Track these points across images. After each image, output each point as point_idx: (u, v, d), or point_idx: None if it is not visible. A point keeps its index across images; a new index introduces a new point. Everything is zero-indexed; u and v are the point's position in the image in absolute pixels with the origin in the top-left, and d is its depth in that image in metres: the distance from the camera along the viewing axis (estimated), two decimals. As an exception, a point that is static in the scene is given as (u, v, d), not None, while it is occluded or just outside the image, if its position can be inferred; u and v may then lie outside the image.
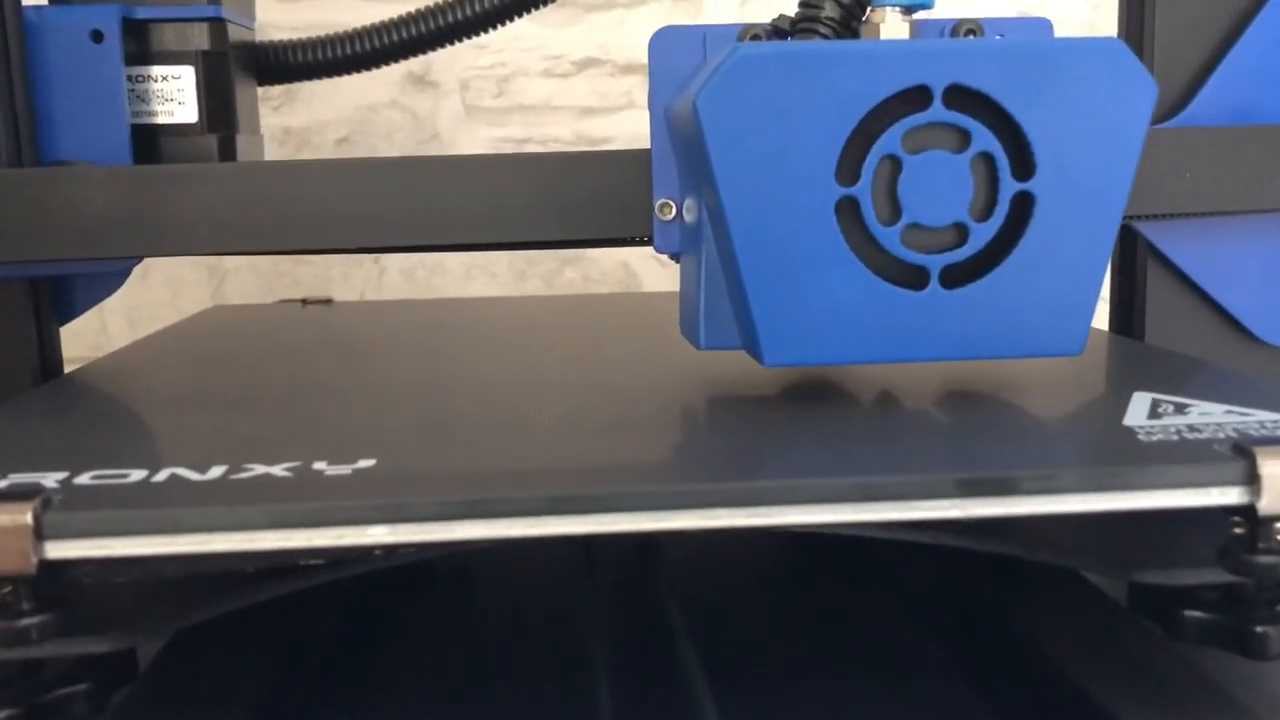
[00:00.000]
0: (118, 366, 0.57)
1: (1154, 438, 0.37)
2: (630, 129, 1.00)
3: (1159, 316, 0.57)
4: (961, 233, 0.41)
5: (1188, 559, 0.36)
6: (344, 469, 0.36)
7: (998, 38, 0.46)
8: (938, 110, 0.40)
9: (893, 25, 0.42)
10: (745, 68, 0.39)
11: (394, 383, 0.52)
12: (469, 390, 0.50)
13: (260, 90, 0.99)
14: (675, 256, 0.49)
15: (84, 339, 0.97)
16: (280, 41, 0.62)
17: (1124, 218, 0.53)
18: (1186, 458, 0.35)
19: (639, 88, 1.00)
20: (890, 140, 0.40)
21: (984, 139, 0.40)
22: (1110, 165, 0.40)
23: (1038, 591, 0.44)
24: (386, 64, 0.63)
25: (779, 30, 0.45)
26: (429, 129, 1.01)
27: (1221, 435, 0.37)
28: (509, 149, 1.01)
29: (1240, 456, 0.35)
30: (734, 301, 0.43)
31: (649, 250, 1.00)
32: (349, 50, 0.62)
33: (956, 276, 0.41)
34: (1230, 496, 0.34)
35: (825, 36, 0.43)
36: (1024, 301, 0.41)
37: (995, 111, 0.40)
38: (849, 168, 0.40)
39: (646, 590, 0.47)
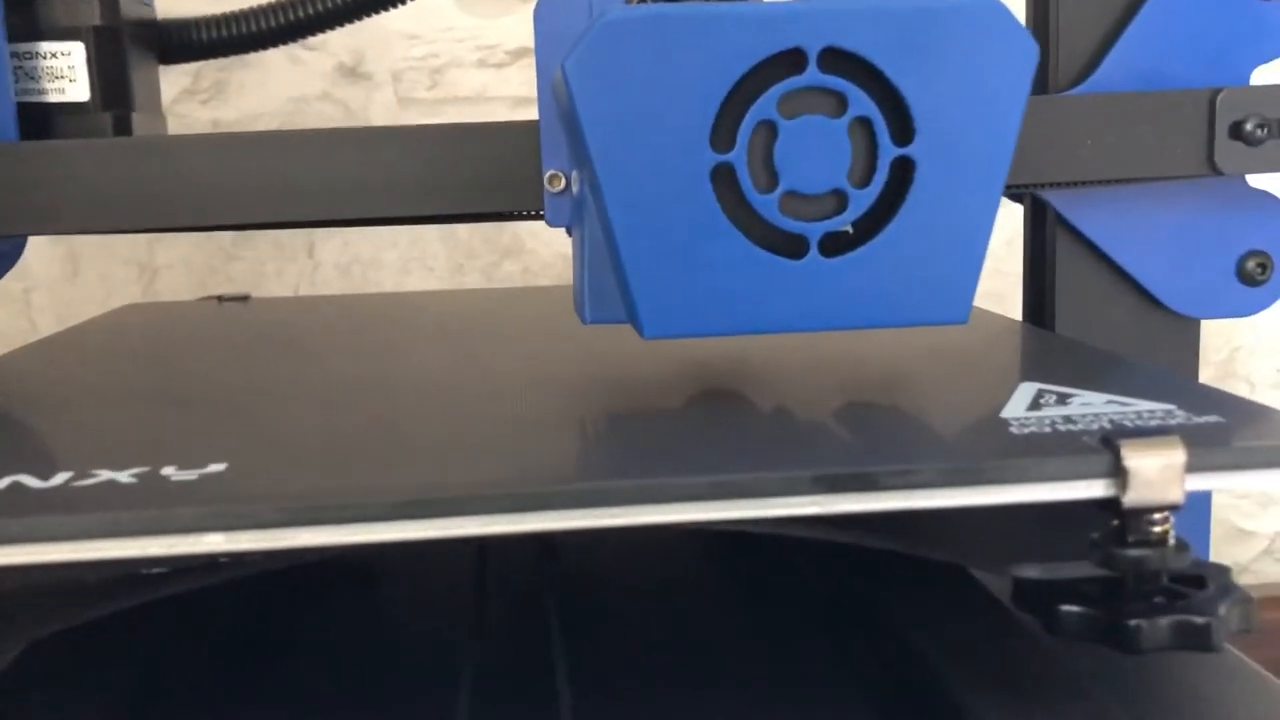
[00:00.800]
0: (6, 368, 0.55)
1: (1027, 430, 0.37)
2: (565, 118, 0.99)
3: (1070, 291, 0.55)
4: (841, 200, 0.39)
5: (1066, 553, 0.35)
6: (191, 474, 0.34)
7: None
8: (813, 74, 0.38)
9: (775, -15, 0.41)
10: (613, 32, 0.38)
11: (283, 382, 0.50)
12: (359, 389, 0.48)
13: (189, 82, 0.98)
14: (569, 230, 0.48)
15: (10, 339, 0.96)
16: (182, 19, 0.61)
17: (1031, 188, 0.52)
18: (1053, 450, 0.35)
19: (573, 76, 0.99)
20: (766, 105, 0.38)
21: (861, 103, 0.38)
22: (992, 129, 0.38)
23: (925, 588, 0.43)
24: (292, 40, 0.62)
25: None
26: (362, 121, 1.00)
27: (1096, 426, 0.37)
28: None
29: (1106, 449, 0.34)
30: (615, 274, 0.41)
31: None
32: (253, 27, 0.61)
33: (837, 244, 0.39)
34: (1096, 490, 0.34)
35: None
36: (906, 269, 0.39)
37: (872, 74, 0.38)
38: (724, 134, 0.39)
39: (532, 593, 0.45)
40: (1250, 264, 0.54)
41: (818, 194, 0.39)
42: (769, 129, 0.39)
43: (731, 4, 0.41)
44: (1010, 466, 0.34)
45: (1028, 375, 0.44)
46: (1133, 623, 0.34)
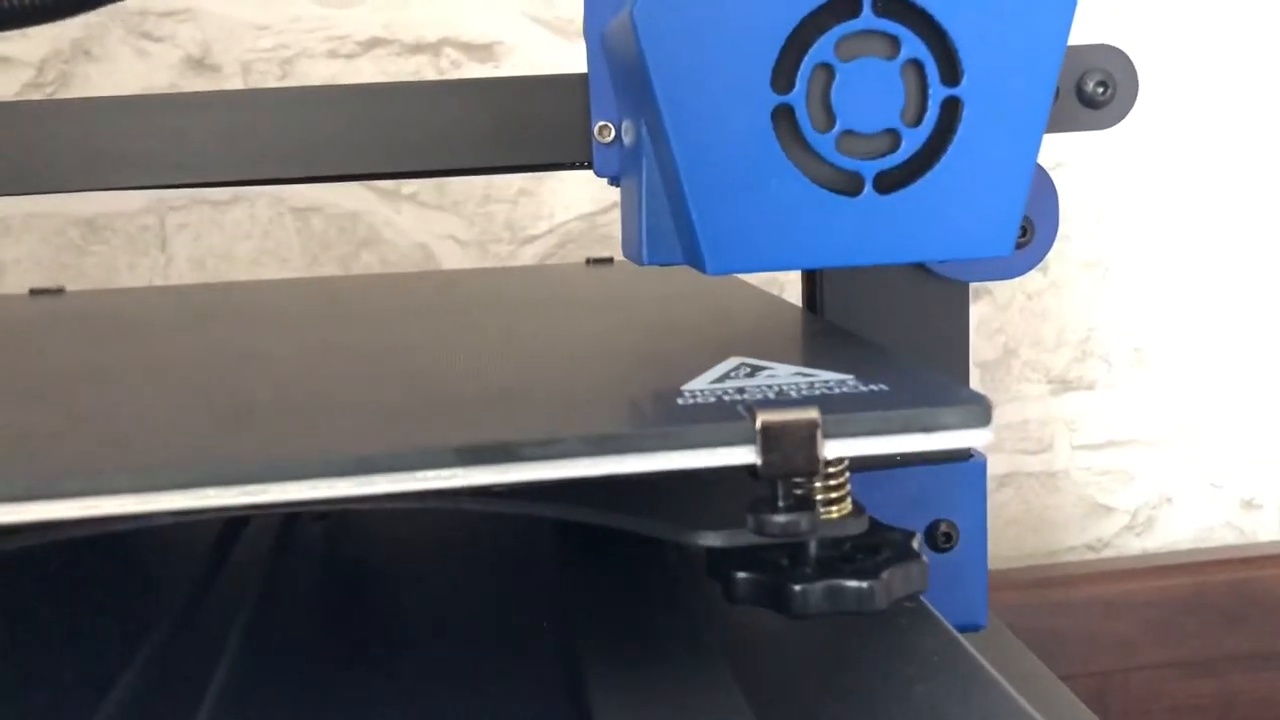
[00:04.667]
0: None
1: (694, 401, 0.36)
2: (419, 107, 0.99)
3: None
4: (894, 138, 0.40)
5: (739, 520, 0.36)
6: None
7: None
8: (868, 18, 0.39)
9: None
10: (679, -21, 0.39)
11: (52, 370, 0.49)
12: (103, 378, 0.47)
13: (33, 75, 0.95)
14: (615, 180, 0.48)
15: None
16: None
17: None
18: (702, 419, 0.34)
19: (427, 67, 0.99)
20: (823, 48, 0.39)
21: (913, 45, 0.40)
22: (1033, 71, 0.40)
23: (634, 561, 0.44)
24: (69, 16, 0.59)
25: None
26: (212, 113, 0.98)
27: (760, 397, 0.36)
28: (296, 131, 0.98)
29: (747, 416, 0.34)
30: (675, 215, 0.42)
31: (448, 231, 0.99)
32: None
33: (890, 181, 0.41)
34: (738, 457, 0.33)
35: None
36: (954, 204, 0.41)
37: (923, 18, 0.40)
38: (784, 76, 0.39)
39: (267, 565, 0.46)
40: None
41: (872, 133, 0.40)
42: (826, 71, 0.40)
43: (790, -48, 0.42)
44: (650, 435, 0.33)
45: (741, 350, 0.43)
46: (797, 588, 0.36)
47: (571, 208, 1.01)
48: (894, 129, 0.40)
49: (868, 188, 0.40)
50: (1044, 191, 0.52)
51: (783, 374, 0.39)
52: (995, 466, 1.09)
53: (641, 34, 0.39)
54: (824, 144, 0.40)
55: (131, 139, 0.48)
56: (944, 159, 0.41)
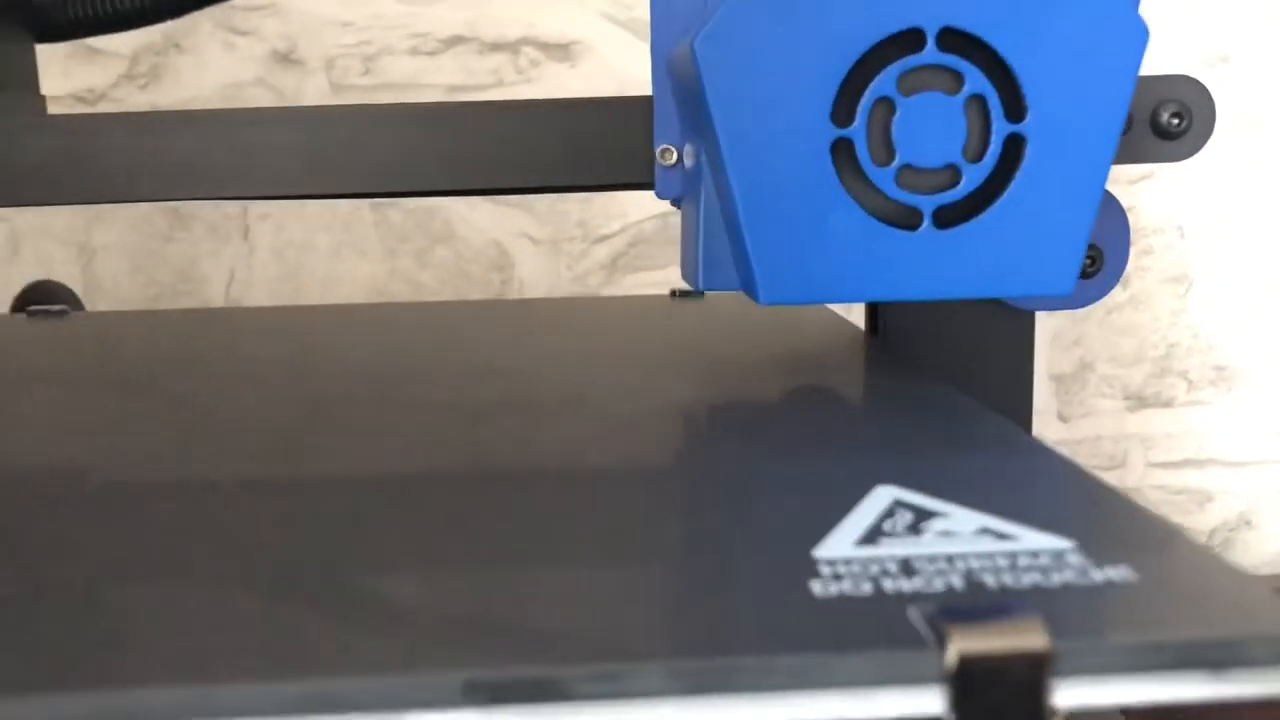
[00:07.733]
0: None
1: (835, 587, 0.25)
2: (499, 106, 0.99)
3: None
4: (955, 174, 0.40)
5: None
6: None
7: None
8: (931, 53, 0.39)
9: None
10: (742, 11, 0.38)
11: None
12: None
13: (126, 68, 0.96)
14: (676, 202, 0.48)
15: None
16: None
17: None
18: (847, 631, 0.23)
19: (507, 65, 0.99)
20: (885, 82, 0.39)
21: (977, 81, 0.39)
22: (1100, 107, 0.40)
23: None
24: (158, 20, 0.59)
25: None
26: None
27: (940, 585, 0.25)
28: (377, 126, 0.99)
29: (931, 636, 0.22)
30: (732, 242, 0.41)
31: (521, 229, 1.00)
32: (127, 4, 0.59)
33: (950, 216, 0.40)
34: (914, 705, 0.22)
35: None
36: (1015, 241, 0.40)
37: (988, 54, 0.39)
38: (844, 109, 0.39)
39: None
40: (1082, 258, 0.52)
41: (933, 168, 0.40)
42: (888, 105, 0.40)
43: (854, -15, 0.42)
44: (771, 669, 0.22)
45: (882, 465, 0.34)
46: None
47: (645, 207, 1.01)
48: (955, 164, 0.40)
49: (926, 222, 0.40)
50: (1114, 219, 0.51)
51: (963, 530, 0.28)
52: (1067, 481, 1.08)
53: (701, 64, 0.39)
54: (883, 178, 0.40)
55: (208, 151, 0.49)
56: (1005, 195, 0.40)
